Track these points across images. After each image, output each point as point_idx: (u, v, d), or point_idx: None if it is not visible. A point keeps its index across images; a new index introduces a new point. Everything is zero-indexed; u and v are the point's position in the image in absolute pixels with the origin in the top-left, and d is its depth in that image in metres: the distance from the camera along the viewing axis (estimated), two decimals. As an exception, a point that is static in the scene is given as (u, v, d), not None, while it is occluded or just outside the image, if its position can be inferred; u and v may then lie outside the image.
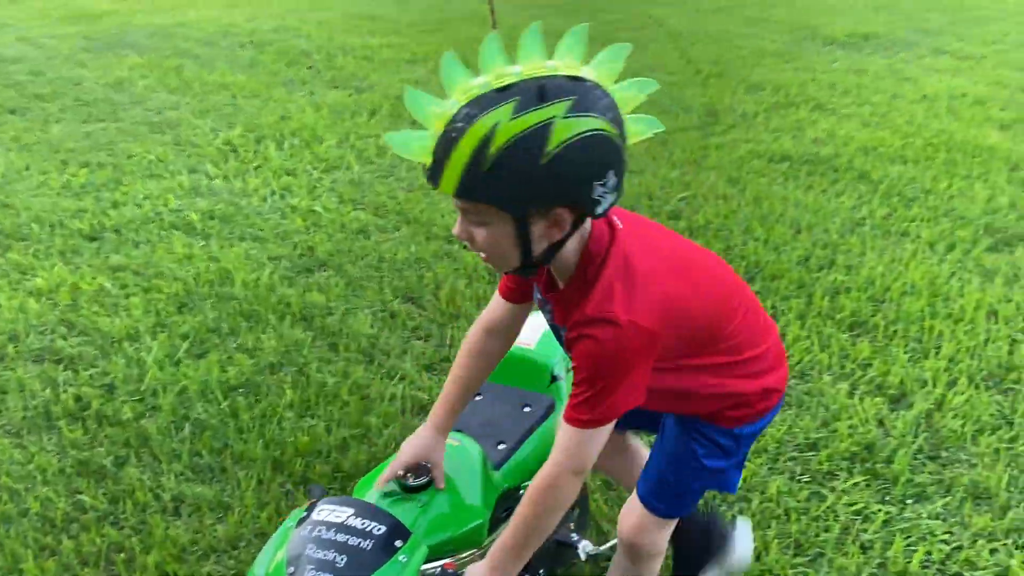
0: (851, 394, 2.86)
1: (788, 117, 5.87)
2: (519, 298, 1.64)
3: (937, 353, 3.06)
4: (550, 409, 2.04)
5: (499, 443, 1.91)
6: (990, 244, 3.93)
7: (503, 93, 1.18)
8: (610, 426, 1.40)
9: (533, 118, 1.17)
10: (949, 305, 3.37)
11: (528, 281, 1.57)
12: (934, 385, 2.88)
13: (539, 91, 1.18)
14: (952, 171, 4.84)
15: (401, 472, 1.62)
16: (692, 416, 1.63)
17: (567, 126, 1.18)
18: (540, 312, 1.64)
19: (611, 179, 1.25)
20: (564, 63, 1.24)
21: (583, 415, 1.38)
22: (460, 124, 1.19)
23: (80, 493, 2.46)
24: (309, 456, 2.59)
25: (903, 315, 3.30)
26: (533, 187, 1.21)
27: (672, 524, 1.75)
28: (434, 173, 1.24)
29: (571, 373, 2.18)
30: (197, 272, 3.68)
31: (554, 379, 2.10)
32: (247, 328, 3.28)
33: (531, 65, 1.22)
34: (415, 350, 3.13)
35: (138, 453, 2.62)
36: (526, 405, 2.03)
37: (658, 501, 1.69)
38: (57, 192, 4.59)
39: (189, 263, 3.78)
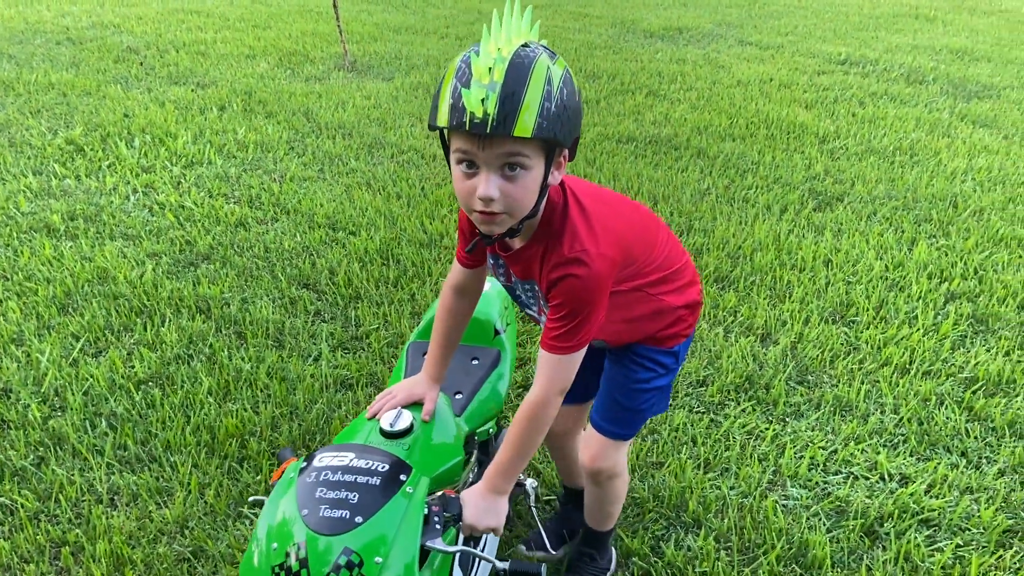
0: (726, 337, 3.24)
1: (627, 103, 6.33)
2: (475, 264, 1.82)
3: (790, 297, 3.52)
4: (496, 360, 2.22)
5: (456, 393, 2.08)
6: (815, 205, 4.50)
7: (527, 47, 1.32)
8: (585, 348, 1.61)
9: (561, 63, 1.35)
10: (792, 257, 3.86)
11: (480, 250, 1.75)
12: (792, 324, 3.32)
13: (545, 48, 1.37)
14: (774, 145, 5.45)
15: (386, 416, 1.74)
16: (636, 345, 1.87)
17: (571, 75, 1.38)
18: (492, 278, 1.81)
19: None
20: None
21: (565, 343, 1.56)
22: (527, 57, 1.28)
23: (1, 496, 2.37)
24: (241, 436, 2.62)
25: (757, 268, 3.75)
26: (573, 122, 1.37)
27: (627, 445, 1.99)
28: (506, 118, 1.26)
29: (511, 326, 2.38)
30: (73, 273, 3.53)
31: (497, 333, 2.29)
32: (142, 324, 3.20)
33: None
34: (324, 332, 3.20)
35: (56, 452, 2.54)
36: (475, 358, 2.20)
37: (613, 425, 1.93)
38: None
39: (60, 265, 3.61)
